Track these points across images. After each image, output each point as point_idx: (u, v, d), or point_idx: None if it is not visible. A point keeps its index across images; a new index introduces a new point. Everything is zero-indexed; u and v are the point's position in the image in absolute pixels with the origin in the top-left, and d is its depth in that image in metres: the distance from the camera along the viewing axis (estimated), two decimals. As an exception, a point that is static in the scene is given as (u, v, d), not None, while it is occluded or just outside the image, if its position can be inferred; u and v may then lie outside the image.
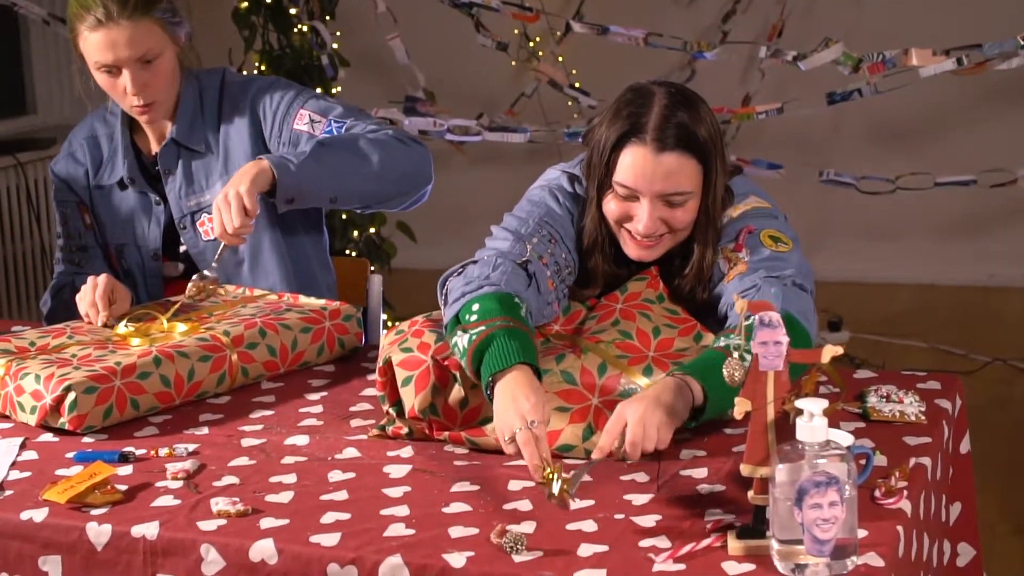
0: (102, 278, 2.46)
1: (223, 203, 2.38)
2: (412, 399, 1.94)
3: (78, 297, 2.48)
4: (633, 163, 2.06)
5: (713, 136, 2.09)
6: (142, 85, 2.55)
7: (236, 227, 2.37)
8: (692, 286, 2.13)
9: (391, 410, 1.99)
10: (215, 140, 2.66)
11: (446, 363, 1.93)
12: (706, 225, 2.12)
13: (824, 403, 1.51)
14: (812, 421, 1.51)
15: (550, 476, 1.68)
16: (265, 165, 2.43)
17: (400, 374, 1.96)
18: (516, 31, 5.57)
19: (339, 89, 4.86)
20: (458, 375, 1.92)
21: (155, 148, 2.70)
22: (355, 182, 2.53)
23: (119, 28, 2.49)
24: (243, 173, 2.42)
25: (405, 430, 1.98)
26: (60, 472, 1.92)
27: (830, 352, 1.57)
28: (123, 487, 1.84)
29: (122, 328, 2.33)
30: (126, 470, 1.92)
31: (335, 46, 4.87)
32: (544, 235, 2.14)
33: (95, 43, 2.51)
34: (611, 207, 2.12)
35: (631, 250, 2.13)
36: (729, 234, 2.14)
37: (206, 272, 2.51)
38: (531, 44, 5.65)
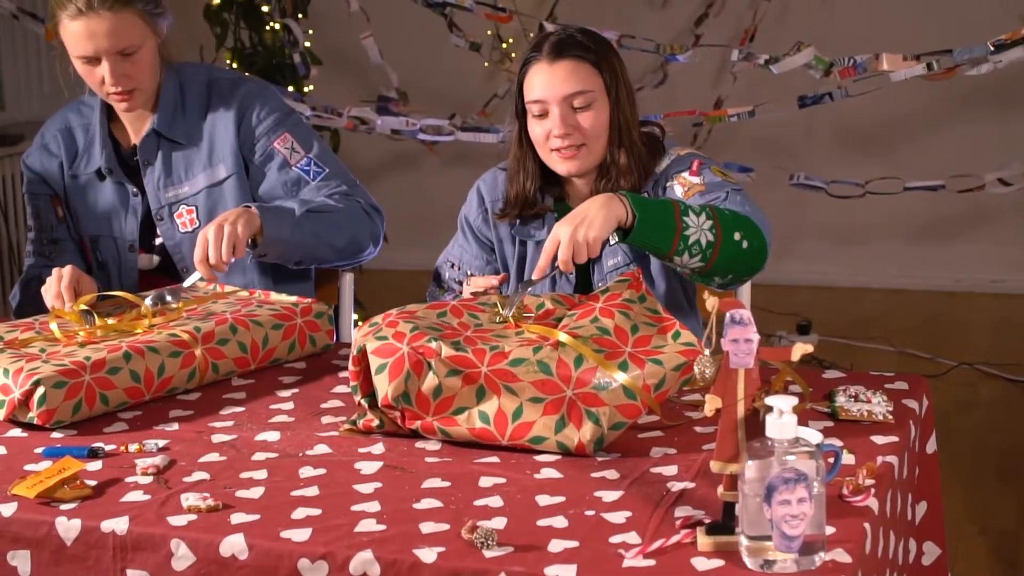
0: (67, 269, 2.45)
1: (214, 234, 2.36)
2: (386, 387, 1.94)
3: (43, 289, 2.47)
4: (535, 78, 2.38)
5: (606, 47, 2.40)
6: (121, 76, 2.54)
7: (222, 260, 2.35)
8: (614, 186, 2.37)
9: (363, 401, 1.99)
10: (199, 132, 2.66)
11: (421, 351, 1.94)
12: (619, 133, 2.38)
13: (794, 400, 1.52)
14: (782, 418, 1.52)
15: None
16: (256, 218, 2.43)
17: (374, 361, 1.96)
18: (489, 32, 5.58)
19: (311, 88, 4.86)
20: (432, 363, 1.93)
21: (133, 139, 2.69)
22: (322, 252, 2.61)
23: (100, 19, 2.48)
24: (235, 214, 2.40)
25: (376, 422, 1.98)
26: (29, 467, 1.91)
27: (800, 350, 1.58)
28: (92, 482, 1.83)
29: (97, 321, 2.31)
30: (95, 465, 1.91)
31: (307, 44, 4.86)
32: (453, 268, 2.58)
33: (75, 32, 2.50)
34: (535, 131, 2.39)
35: (558, 165, 2.40)
36: (680, 165, 2.40)
37: (168, 296, 2.44)
38: (504, 45, 5.66)
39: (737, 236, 2.20)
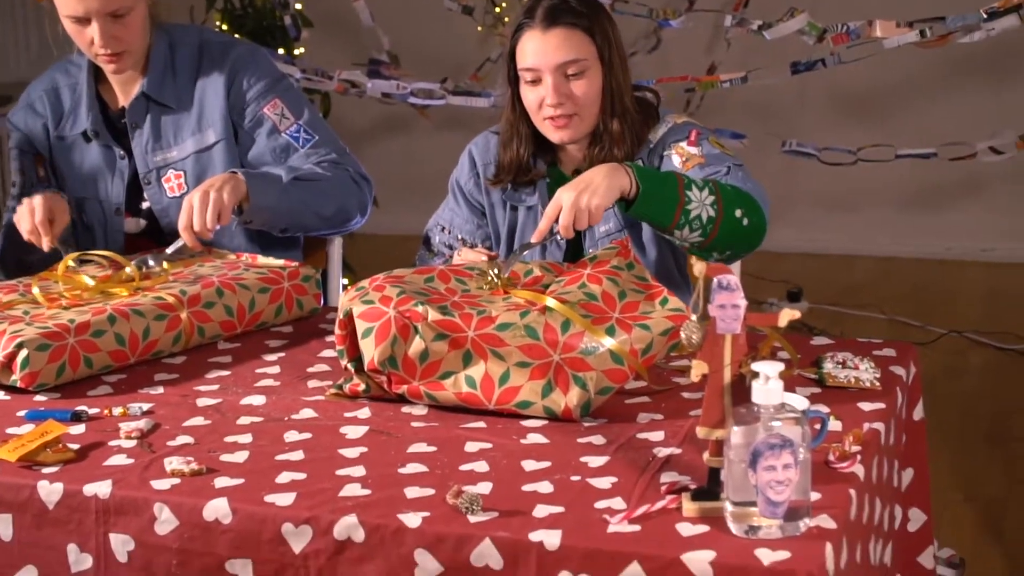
0: (37, 200, 2.45)
1: (199, 200, 2.35)
2: (372, 351, 1.93)
3: (16, 219, 2.46)
4: (528, 45, 2.35)
5: (599, 11, 2.37)
6: (110, 38, 2.52)
7: (207, 227, 2.34)
8: (607, 153, 2.37)
9: (349, 365, 1.98)
10: (189, 96, 2.64)
11: (408, 316, 1.92)
12: (611, 100, 2.36)
13: (780, 366, 1.51)
14: (768, 384, 1.51)
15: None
16: (243, 185, 2.41)
17: (361, 325, 1.95)
18: (482, -5, 5.54)
19: (302, 51, 4.82)
20: (419, 327, 1.92)
21: (121, 100, 2.67)
22: (308, 221, 2.60)
23: None
24: (222, 180, 2.40)
25: (363, 387, 1.97)
26: (11, 431, 1.90)
27: (787, 316, 1.57)
28: (75, 446, 1.83)
29: (88, 281, 2.30)
30: (79, 429, 1.90)
31: (298, 6, 4.82)
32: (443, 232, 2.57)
33: None
34: (528, 98, 2.37)
35: (551, 133, 2.38)
36: (677, 134, 2.38)
37: (151, 261, 2.43)
38: (497, 9, 5.61)
39: (738, 213, 2.20)
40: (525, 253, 2.20)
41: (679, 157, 2.35)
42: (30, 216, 2.43)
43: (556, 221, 2.13)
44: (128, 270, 2.34)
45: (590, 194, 2.11)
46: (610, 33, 2.38)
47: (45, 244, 2.42)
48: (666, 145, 2.38)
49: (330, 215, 2.60)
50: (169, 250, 2.47)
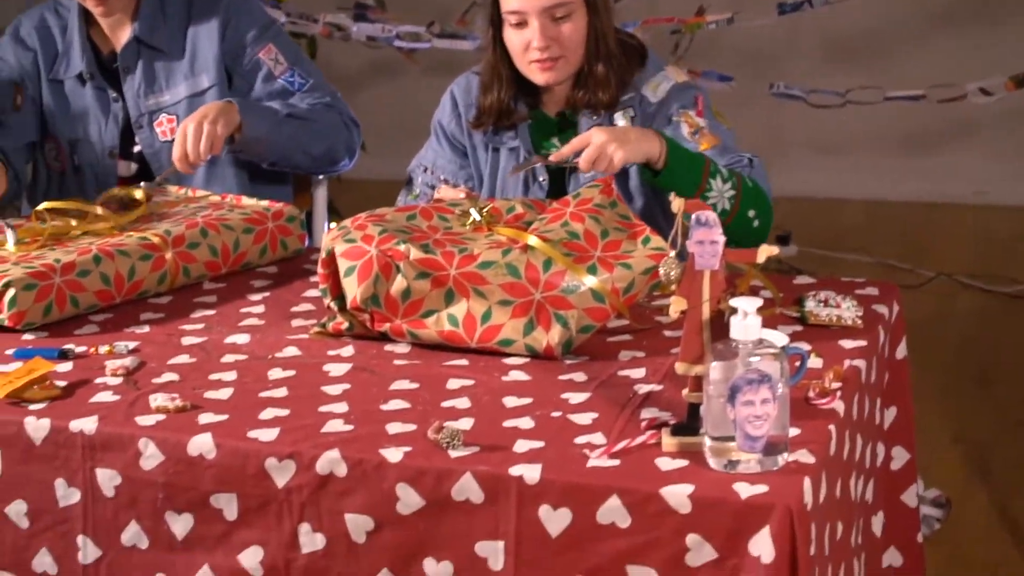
0: None
1: (193, 130, 2.37)
2: (355, 289, 1.94)
3: None
4: None
5: None
6: None
7: (199, 157, 2.37)
8: (591, 96, 2.37)
9: (332, 304, 1.99)
10: (181, 41, 2.64)
11: (390, 254, 1.93)
12: (596, 43, 2.36)
13: (759, 302, 1.52)
14: (746, 320, 1.52)
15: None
16: (235, 113, 2.42)
17: (343, 264, 1.96)
18: (469, -62, 5.49)
19: (288, -7, 4.79)
20: (401, 265, 1.92)
21: (113, 44, 2.66)
22: (297, 158, 2.62)
23: None
24: (216, 110, 2.41)
25: (346, 324, 1.98)
26: (-2, 368, 1.92)
27: (765, 252, 1.58)
28: (62, 383, 1.84)
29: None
30: (65, 367, 1.92)
31: (284, -51, 4.78)
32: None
33: None
34: (513, 41, 2.35)
35: (536, 76, 2.37)
36: (683, 97, 2.38)
37: (138, 194, 2.44)
38: (485, -48, 5.57)
39: (751, 213, 2.25)
40: (523, 171, 2.30)
41: (687, 127, 2.36)
42: None
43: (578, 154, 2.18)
44: (139, 194, 2.39)
45: (619, 144, 2.14)
46: None
47: None
48: (670, 106, 2.38)
49: (319, 155, 2.63)
50: (156, 180, 2.50)
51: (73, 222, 2.30)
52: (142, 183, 2.48)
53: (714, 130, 2.36)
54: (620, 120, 2.39)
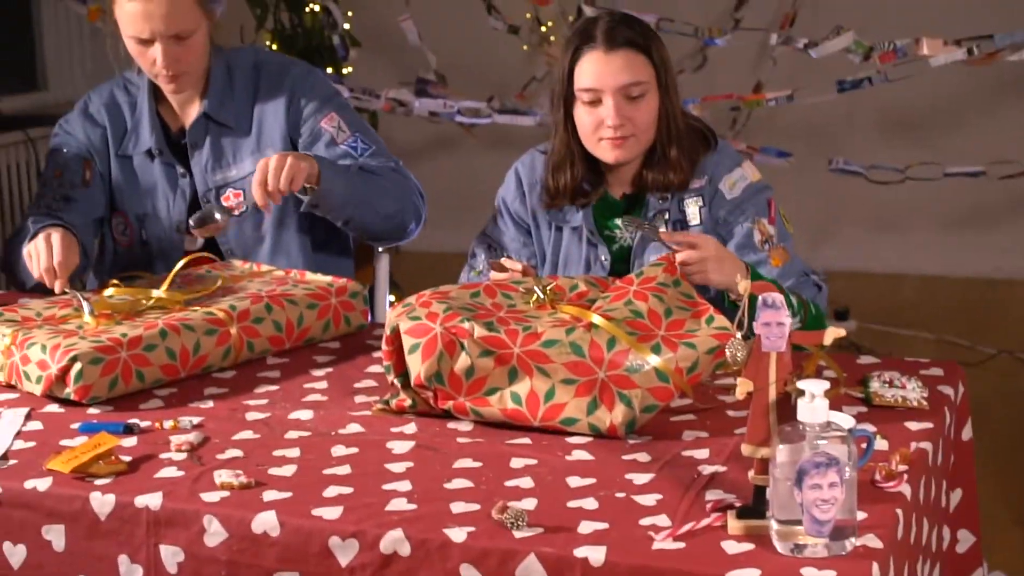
0: (56, 238, 2.41)
1: (275, 163, 2.39)
2: (418, 366, 1.95)
3: (29, 252, 2.43)
4: (590, 66, 2.35)
5: (653, 36, 2.40)
6: (173, 59, 2.56)
7: (279, 189, 2.37)
8: (663, 177, 2.40)
9: (396, 381, 2.00)
10: (247, 118, 2.68)
11: (454, 332, 1.94)
12: (667, 124, 2.39)
13: (826, 384, 1.51)
14: (813, 402, 1.51)
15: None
16: (315, 165, 2.45)
17: (407, 341, 1.96)
18: (528, 15, 5.56)
19: (350, 70, 4.86)
20: (465, 343, 1.93)
21: (181, 120, 2.71)
22: (369, 217, 2.61)
23: (156, 2, 2.49)
24: (299, 156, 2.43)
25: (409, 402, 1.99)
26: (65, 442, 1.93)
27: (832, 334, 1.57)
28: (127, 458, 1.85)
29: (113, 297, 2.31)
30: (130, 441, 1.93)
31: (347, 26, 4.87)
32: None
33: (131, 13, 2.52)
34: (584, 119, 2.38)
35: (607, 154, 2.38)
36: (758, 202, 2.41)
37: (217, 215, 2.50)
38: (543, 28, 5.64)
39: None
40: (629, 233, 2.39)
41: (760, 235, 2.38)
42: (47, 254, 2.40)
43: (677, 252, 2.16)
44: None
45: (718, 267, 2.17)
46: (666, 57, 2.40)
47: (57, 286, 2.39)
48: (744, 209, 2.39)
49: (390, 213, 2.63)
50: (235, 210, 2.56)
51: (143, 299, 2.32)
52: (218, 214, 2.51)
53: (783, 240, 2.39)
54: (690, 207, 2.39)
